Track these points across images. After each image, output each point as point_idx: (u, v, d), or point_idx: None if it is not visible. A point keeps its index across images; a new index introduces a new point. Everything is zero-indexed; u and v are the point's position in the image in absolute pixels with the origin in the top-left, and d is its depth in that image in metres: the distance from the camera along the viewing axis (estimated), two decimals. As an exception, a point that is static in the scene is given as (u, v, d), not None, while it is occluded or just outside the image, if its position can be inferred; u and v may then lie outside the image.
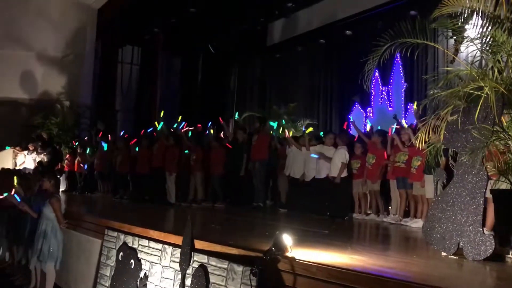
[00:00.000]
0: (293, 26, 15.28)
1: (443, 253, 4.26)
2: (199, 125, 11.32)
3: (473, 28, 4.70)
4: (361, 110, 12.85)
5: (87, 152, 12.82)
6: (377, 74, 11.97)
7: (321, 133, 10.24)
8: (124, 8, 15.58)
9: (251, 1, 13.86)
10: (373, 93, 12.42)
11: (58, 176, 8.33)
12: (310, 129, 10.84)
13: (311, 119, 13.55)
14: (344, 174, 8.22)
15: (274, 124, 10.73)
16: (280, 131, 11.00)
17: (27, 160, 13.47)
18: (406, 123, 8.32)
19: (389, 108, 12.18)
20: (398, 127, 8.05)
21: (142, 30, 17.27)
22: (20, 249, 7.81)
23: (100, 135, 13.00)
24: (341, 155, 8.22)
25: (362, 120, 12.52)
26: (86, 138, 13.89)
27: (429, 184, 6.70)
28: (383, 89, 12.40)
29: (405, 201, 7.56)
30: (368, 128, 9.75)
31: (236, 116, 11.22)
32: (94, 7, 16.40)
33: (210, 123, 11.13)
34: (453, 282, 3.45)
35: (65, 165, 13.28)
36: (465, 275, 3.86)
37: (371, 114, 12.54)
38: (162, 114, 11.70)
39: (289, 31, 15.44)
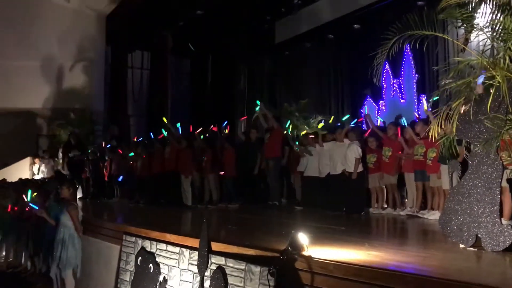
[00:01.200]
0: (300, 22, 15.21)
1: (461, 245, 4.23)
2: (215, 128, 11.30)
3: (482, 17, 4.65)
4: (373, 104, 12.76)
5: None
6: (387, 66, 11.88)
7: (338, 124, 10.19)
8: (132, 13, 15.70)
9: (257, 0, 13.84)
10: (385, 85, 12.32)
11: (77, 185, 8.44)
12: (321, 124, 10.79)
13: (324, 115, 13.50)
14: (360, 169, 8.18)
15: (287, 123, 10.70)
16: (291, 129, 10.95)
17: (44, 169, 13.66)
18: (419, 115, 8.26)
19: (402, 100, 12.08)
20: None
21: (150, 34, 17.36)
22: (41, 258, 7.94)
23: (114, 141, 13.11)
24: (354, 150, 8.17)
25: (375, 113, 12.43)
26: (103, 144, 13.98)
27: (445, 175, 6.63)
28: (394, 81, 12.29)
29: (421, 193, 7.51)
30: (379, 123, 9.70)
31: (257, 108, 11.25)
32: (103, 14, 16.57)
33: (225, 123, 11.14)
34: (472, 275, 3.42)
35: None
36: (484, 267, 3.82)
37: (383, 107, 12.45)
38: (165, 120, 11.72)
39: (297, 28, 15.37)
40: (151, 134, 12.14)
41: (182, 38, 17.41)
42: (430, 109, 7.46)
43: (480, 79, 4.18)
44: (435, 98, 5.64)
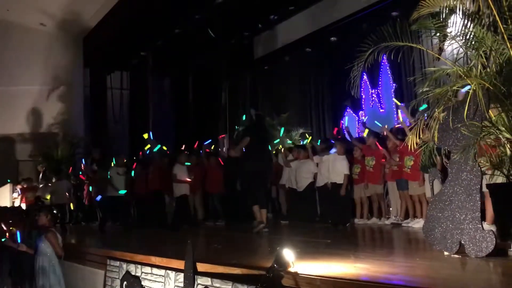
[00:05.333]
0: (278, 37, 15.37)
1: (445, 253, 4.25)
2: (195, 146, 11.31)
3: (453, 26, 4.74)
4: (354, 114, 12.88)
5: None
6: (365, 77, 12.01)
7: (318, 142, 10.33)
8: (109, 34, 15.64)
9: (234, 16, 13.93)
10: (364, 96, 12.45)
11: (55, 211, 8.30)
12: (310, 138, 10.90)
13: (305, 128, 13.60)
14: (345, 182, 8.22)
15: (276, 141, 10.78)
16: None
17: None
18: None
19: (381, 110, 12.21)
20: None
21: (129, 55, 17.32)
22: (24, 287, 7.74)
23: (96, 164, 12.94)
24: (344, 165, 8.20)
25: (355, 124, 12.54)
26: (82, 167, 13.83)
27: (428, 183, 6.70)
28: (373, 91, 12.44)
29: (405, 202, 7.56)
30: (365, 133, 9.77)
31: (244, 118, 11.39)
32: (79, 36, 16.48)
33: (207, 141, 11.14)
34: (458, 283, 3.43)
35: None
36: (469, 274, 3.84)
37: (363, 117, 12.56)
38: (146, 136, 11.71)
39: (275, 42, 15.53)
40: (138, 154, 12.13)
41: (162, 57, 17.41)
42: (406, 120, 7.61)
43: (465, 88, 4.26)
44: (422, 108, 5.73)
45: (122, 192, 10.70)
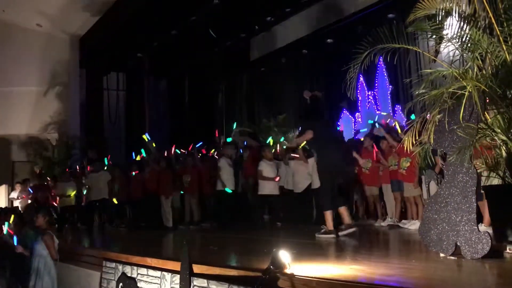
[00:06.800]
0: (275, 39, 15.39)
1: (441, 255, 4.25)
2: (189, 148, 11.32)
3: (449, 28, 4.76)
4: (350, 116, 12.89)
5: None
6: (361, 79, 12.04)
7: None
8: (106, 35, 15.63)
9: (231, 18, 13.94)
10: (360, 98, 12.48)
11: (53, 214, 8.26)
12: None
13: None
14: None
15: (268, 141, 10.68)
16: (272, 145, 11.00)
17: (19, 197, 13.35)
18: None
19: (377, 112, 12.23)
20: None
21: (125, 56, 17.31)
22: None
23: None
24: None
25: (351, 126, 12.56)
26: (77, 168, 13.78)
27: (424, 185, 6.71)
28: (369, 93, 12.46)
29: (400, 203, 7.57)
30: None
31: (234, 126, 11.23)
32: (76, 37, 16.45)
33: (199, 144, 11.15)
34: (454, 284, 3.44)
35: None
36: (465, 276, 3.84)
37: (359, 119, 12.58)
38: (146, 138, 11.68)
39: (272, 44, 15.54)
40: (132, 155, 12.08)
41: (158, 59, 17.41)
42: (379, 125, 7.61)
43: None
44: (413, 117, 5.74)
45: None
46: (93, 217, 12.17)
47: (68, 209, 12.00)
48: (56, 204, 12.19)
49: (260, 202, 9.13)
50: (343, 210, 6.36)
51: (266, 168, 8.87)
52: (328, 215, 6.28)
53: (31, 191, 12.78)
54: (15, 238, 7.12)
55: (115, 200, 11.24)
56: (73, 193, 11.82)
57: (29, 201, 12.50)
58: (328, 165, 6.41)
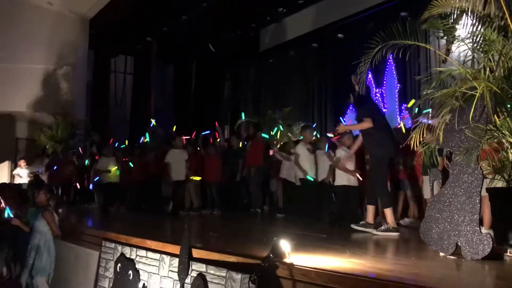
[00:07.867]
0: (284, 31, 15.33)
1: (441, 254, 4.25)
2: (193, 135, 11.33)
3: (463, 28, 4.72)
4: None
5: (86, 163, 12.72)
6: (370, 76, 11.99)
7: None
8: (116, 18, 15.57)
9: (242, 8, 13.88)
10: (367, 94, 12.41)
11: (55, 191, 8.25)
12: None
13: (307, 123, 13.57)
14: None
15: (266, 136, 10.59)
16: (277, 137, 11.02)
17: (22, 174, 13.39)
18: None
19: (384, 110, 12.18)
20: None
21: (134, 40, 17.27)
22: (18, 264, 7.75)
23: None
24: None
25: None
26: (80, 149, 13.80)
27: (426, 184, 6.68)
28: (377, 90, 12.42)
29: (402, 202, 7.56)
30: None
31: (243, 116, 11.20)
32: (86, 17, 16.39)
33: (204, 132, 11.16)
34: (452, 284, 3.44)
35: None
36: (464, 275, 3.85)
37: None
38: (154, 123, 11.65)
39: (281, 36, 15.48)
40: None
41: (166, 44, 17.36)
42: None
43: None
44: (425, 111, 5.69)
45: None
46: (94, 197, 12.22)
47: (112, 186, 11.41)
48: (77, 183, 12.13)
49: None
50: (371, 209, 6.17)
51: (344, 156, 7.74)
52: (389, 212, 5.94)
53: (55, 167, 12.59)
54: (7, 210, 7.12)
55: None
56: (114, 168, 11.40)
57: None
58: (386, 157, 6.01)
